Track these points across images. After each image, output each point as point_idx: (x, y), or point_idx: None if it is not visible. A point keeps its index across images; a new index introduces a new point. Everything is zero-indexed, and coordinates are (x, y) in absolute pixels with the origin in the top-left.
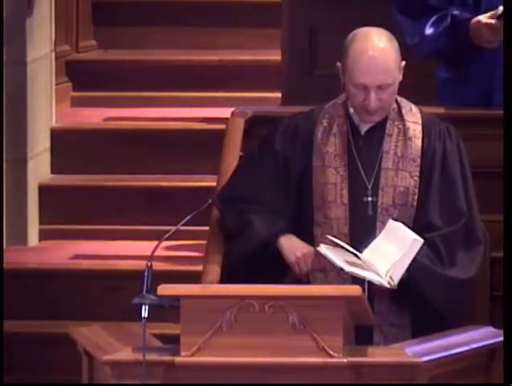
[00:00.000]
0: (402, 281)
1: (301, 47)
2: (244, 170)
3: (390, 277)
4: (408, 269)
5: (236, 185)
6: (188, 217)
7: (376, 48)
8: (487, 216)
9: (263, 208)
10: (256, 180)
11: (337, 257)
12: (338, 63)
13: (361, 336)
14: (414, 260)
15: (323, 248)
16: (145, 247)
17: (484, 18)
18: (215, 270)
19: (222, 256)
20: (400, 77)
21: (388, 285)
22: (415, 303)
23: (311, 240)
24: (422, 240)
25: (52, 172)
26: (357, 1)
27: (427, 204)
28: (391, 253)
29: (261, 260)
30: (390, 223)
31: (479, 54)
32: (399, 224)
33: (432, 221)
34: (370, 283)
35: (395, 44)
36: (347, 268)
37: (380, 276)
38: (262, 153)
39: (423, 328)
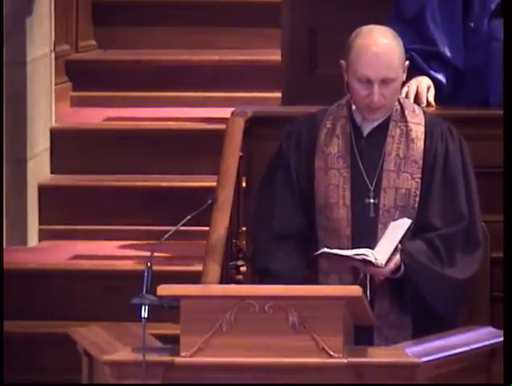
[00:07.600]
0: (401, 279)
1: (301, 47)
2: (262, 193)
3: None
4: (406, 267)
5: (257, 210)
6: (188, 217)
7: (380, 44)
8: (487, 216)
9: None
10: (273, 201)
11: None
12: (342, 61)
13: (362, 338)
14: (413, 258)
15: (326, 249)
16: (145, 247)
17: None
18: (215, 270)
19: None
20: (404, 76)
21: (373, 260)
22: (414, 302)
23: (315, 242)
24: (410, 221)
25: (52, 172)
26: (357, 1)
27: (428, 205)
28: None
29: None
30: (391, 225)
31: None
32: (396, 222)
33: (432, 222)
34: (371, 283)
35: (399, 42)
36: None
37: (366, 255)
38: (274, 168)
39: (424, 329)
